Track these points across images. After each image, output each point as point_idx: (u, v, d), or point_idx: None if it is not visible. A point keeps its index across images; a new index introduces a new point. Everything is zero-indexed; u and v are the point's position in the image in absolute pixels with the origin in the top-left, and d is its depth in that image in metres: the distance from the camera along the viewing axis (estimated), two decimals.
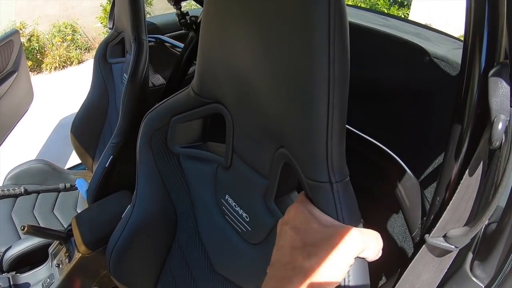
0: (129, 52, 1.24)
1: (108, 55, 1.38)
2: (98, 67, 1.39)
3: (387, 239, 1.38)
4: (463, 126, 0.47)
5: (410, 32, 1.49)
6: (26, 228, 0.78)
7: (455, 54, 1.30)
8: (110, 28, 1.60)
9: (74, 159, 2.36)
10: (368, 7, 4.79)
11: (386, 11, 4.95)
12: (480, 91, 0.44)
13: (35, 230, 0.81)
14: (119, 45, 1.36)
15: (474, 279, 0.53)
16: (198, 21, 1.17)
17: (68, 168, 1.73)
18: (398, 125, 1.43)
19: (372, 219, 1.41)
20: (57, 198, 1.36)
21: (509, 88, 0.39)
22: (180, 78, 1.30)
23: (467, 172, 0.45)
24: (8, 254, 1.01)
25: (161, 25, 1.82)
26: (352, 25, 1.28)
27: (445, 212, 0.47)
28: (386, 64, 1.44)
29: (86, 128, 1.41)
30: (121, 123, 1.02)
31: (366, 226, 1.34)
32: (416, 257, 0.53)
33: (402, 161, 0.82)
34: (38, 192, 1.34)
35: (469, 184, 0.45)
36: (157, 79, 1.94)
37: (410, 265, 0.54)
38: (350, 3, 4.71)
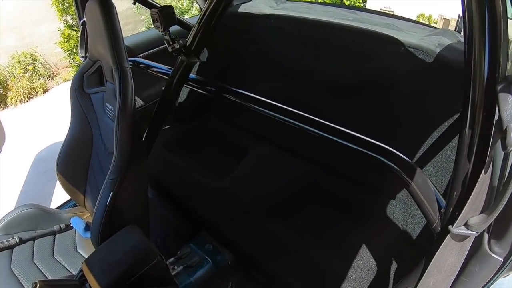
0: (109, 80, 1.20)
1: (85, 85, 1.32)
2: (76, 99, 1.33)
3: (390, 225, 1.42)
4: (473, 131, 0.50)
5: (380, 23, 1.54)
6: (38, 286, 0.74)
7: (428, 42, 1.36)
8: (82, 57, 1.55)
9: (59, 193, 2.28)
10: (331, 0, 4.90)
11: (346, 2, 5.08)
12: (485, 98, 0.48)
13: (47, 285, 0.78)
14: (96, 74, 1.31)
15: (493, 255, 0.58)
16: (187, 44, 1.16)
17: (59, 207, 1.66)
18: (382, 115, 1.48)
19: (373, 209, 1.46)
20: (54, 241, 1.30)
21: None
22: (170, 101, 1.28)
23: (483, 170, 0.48)
24: None
25: (133, 46, 1.78)
26: (327, 24, 1.32)
27: (466, 205, 0.50)
28: (365, 58, 1.49)
29: (72, 164, 1.36)
30: (117, 159, 0.98)
31: (368, 217, 1.38)
32: (442, 245, 0.57)
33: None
34: (33, 239, 1.27)
35: (484, 180, 0.49)
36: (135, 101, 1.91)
37: (437, 253, 0.58)
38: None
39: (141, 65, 1.47)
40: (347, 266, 1.29)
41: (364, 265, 1.29)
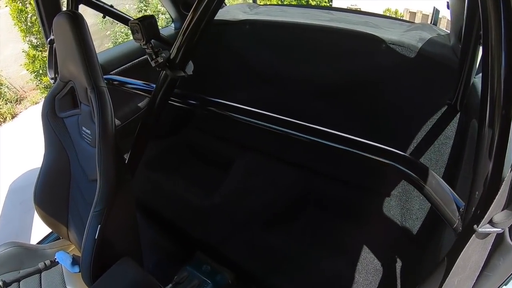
0: (83, 102, 1.12)
1: (57, 109, 1.22)
2: (48, 125, 1.23)
3: (388, 223, 1.41)
4: (493, 130, 0.48)
5: (358, 22, 1.54)
6: None
7: (409, 37, 1.36)
8: (52, 79, 1.45)
9: (39, 225, 2.14)
10: (296, 2, 4.94)
11: (312, 3, 5.15)
12: (504, 96, 0.46)
13: None
14: (68, 96, 1.22)
15: None
16: (171, 57, 1.08)
17: (40, 242, 1.54)
18: (370, 113, 1.46)
19: (369, 209, 1.44)
20: (41, 280, 1.20)
21: None
22: (155, 120, 1.19)
23: (510, 168, 0.46)
24: None
25: (105, 63, 1.69)
26: (304, 26, 1.29)
27: (493, 203, 0.48)
28: (346, 58, 1.47)
29: (51, 195, 1.25)
30: (102, 189, 0.90)
31: (365, 217, 1.37)
32: (466, 245, 0.55)
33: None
34: (18, 281, 1.17)
35: (509, 178, 0.47)
36: None
37: (462, 252, 0.56)
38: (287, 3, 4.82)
39: (115, 83, 1.39)
40: (352, 270, 1.26)
41: (368, 266, 1.27)
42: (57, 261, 1.28)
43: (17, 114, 4.02)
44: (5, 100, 4.05)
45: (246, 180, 1.66)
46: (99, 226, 0.88)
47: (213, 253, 1.37)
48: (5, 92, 4.10)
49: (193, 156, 1.93)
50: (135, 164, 1.23)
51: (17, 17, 3.83)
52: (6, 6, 3.91)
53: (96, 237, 0.88)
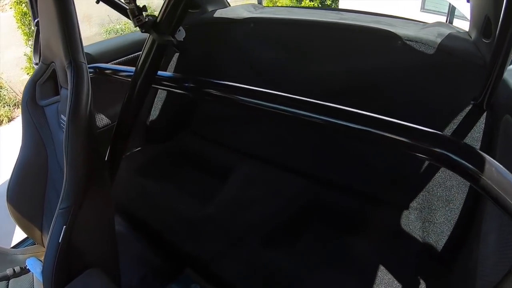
0: (64, 86, 0.98)
1: (38, 96, 1.08)
2: (27, 114, 1.09)
3: (407, 239, 1.24)
4: None
5: (370, 21, 1.43)
6: None
7: (426, 33, 1.24)
8: (36, 64, 1.33)
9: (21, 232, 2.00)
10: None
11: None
12: None
13: None
14: (51, 81, 1.08)
15: None
16: (158, 20, 0.92)
17: (14, 246, 1.40)
18: (386, 115, 1.33)
19: (384, 223, 1.27)
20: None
21: None
22: (138, 103, 1.03)
23: None
24: None
25: (97, 55, 1.57)
26: (313, 23, 1.15)
27: None
28: (358, 56, 1.36)
29: (25, 194, 1.11)
30: (68, 182, 0.76)
31: (380, 232, 1.19)
32: None
33: None
34: None
35: None
36: (100, 119, 1.66)
37: None
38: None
39: (106, 71, 1.26)
40: None
41: None
42: (28, 269, 1.14)
43: (14, 118, 3.96)
44: (4, 103, 3.98)
45: (245, 189, 1.51)
46: (64, 227, 0.73)
47: (204, 271, 1.21)
48: (4, 95, 4.04)
49: (190, 164, 1.79)
50: (116, 160, 1.07)
51: (20, 20, 3.81)
52: (11, 8, 3.90)
53: (60, 240, 0.73)
